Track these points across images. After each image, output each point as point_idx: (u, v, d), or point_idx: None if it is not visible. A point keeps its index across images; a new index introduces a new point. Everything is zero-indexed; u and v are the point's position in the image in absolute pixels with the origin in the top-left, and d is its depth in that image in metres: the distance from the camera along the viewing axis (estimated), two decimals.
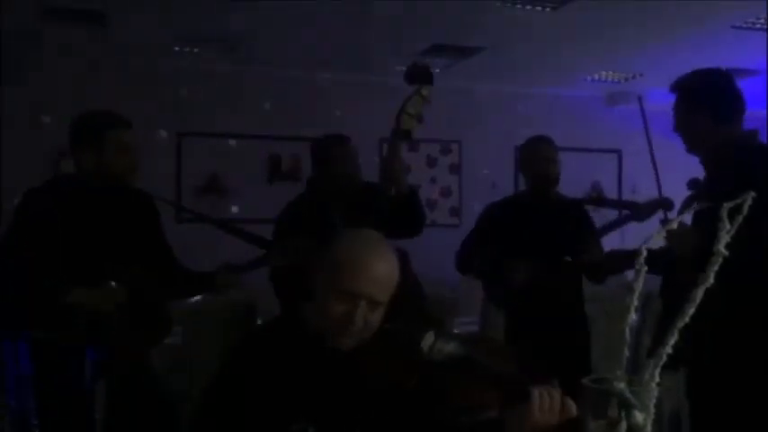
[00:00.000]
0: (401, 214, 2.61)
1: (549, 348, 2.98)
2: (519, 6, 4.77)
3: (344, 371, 1.53)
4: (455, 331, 2.74)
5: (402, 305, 1.59)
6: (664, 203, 3.11)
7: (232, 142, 6.27)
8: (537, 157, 3.33)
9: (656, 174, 2.55)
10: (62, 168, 2.63)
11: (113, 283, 2.40)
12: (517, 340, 3.23)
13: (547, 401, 1.32)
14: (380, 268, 1.53)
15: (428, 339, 1.41)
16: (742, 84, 2.49)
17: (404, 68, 2.68)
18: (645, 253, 0.91)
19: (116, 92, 5.37)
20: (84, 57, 5.65)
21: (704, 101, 2.37)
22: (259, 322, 3.59)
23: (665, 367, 0.94)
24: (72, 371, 2.35)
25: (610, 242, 3.27)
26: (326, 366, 1.53)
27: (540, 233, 3.25)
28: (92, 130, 2.54)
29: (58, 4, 4.63)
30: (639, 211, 3.18)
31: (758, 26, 5.23)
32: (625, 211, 3.27)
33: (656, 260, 3.25)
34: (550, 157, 3.33)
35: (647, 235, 0.96)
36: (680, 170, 2.59)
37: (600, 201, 3.54)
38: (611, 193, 7.43)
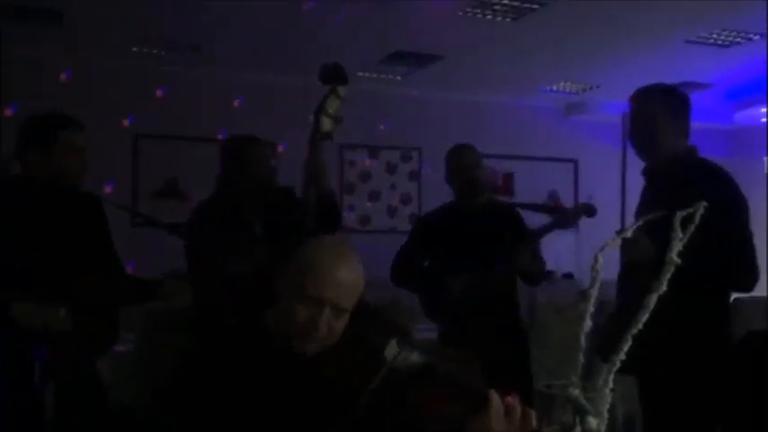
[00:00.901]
0: (323, 214, 2.61)
1: (485, 357, 3.00)
2: (479, 16, 4.82)
3: (306, 376, 1.52)
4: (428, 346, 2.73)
5: (361, 312, 1.59)
6: (587, 210, 3.19)
7: (191, 145, 6.20)
8: (461, 165, 3.35)
9: (624, 187, 2.60)
10: (11, 170, 2.56)
11: (63, 310, 2.31)
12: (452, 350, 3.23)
13: (508, 408, 1.33)
14: (346, 275, 1.53)
15: (391, 348, 1.41)
16: (694, 97, 2.61)
17: (364, 75, 2.67)
18: (600, 260, 0.92)
19: (72, 92, 5.27)
20: (40, 56, 5.53)
21: (683, 111, 2.49)
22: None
23: (619, 371, 0.95)
24: (21, 371, 2.28)
25: (561, 247, 3.31)
26: (288, 370, 1.52)
27: (471, 239, 3.27)
28: (43, 131, 2.47)
29: (13, 2, 4.53)
30: (564, 217, 3.23)
31: (710, 41, 5.38)
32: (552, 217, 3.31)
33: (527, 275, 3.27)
34: (474, 164, 3.35)
35: (602, 242, 0.97)
36: (638, 180, 2.65)
37: (529, 205, 3.57)
38: (568, 202, 7.54)
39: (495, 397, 1.32)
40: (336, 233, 2.96)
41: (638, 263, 2.20)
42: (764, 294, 3.79)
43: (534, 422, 1.32)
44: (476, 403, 1.35)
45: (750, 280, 2.33)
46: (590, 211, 3.15)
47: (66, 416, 2.34)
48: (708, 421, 2.32)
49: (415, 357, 1.40)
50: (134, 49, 5.61)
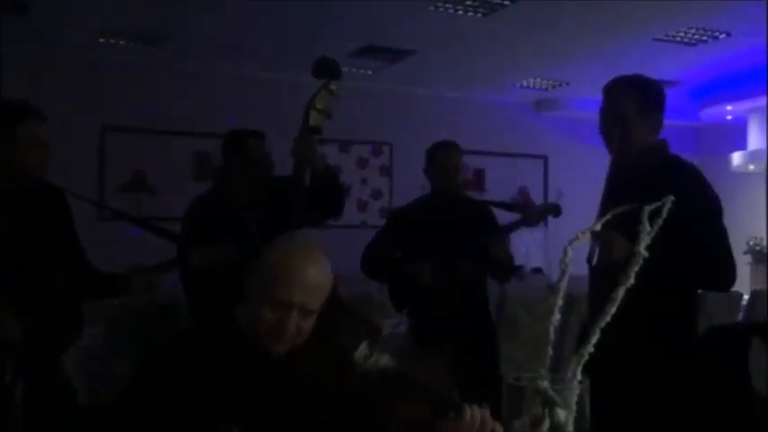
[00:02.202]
0: (321, 193, 2.58)
1: (453, 349, 3.01)
2: (450, 11, 4.83)
3: (274, 375, 1.51)
4: (385, 332, 2.72)
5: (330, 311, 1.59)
6: (552, 209, 3.22)
7: (158, 138, 6.12)
8: (442, 164, 3.37)
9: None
10: None
11: (10, 319, 2.27)
12: (421, 343, 3.24)
13: (477, 420, 1.33)
14: (313, 276, 1.52)
15: (362, 350, 1.41)
16: None
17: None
18: (570, 253, 0.93)
19: (37, 84, 5.17)
20: (3, 46, 5.42)
21: (652, 106, 2.45)
22: (183, 323, 3.51)
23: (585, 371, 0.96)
24: None
25: (530, 243, 3.34)
26: (256, 369, 1.51)
27: (441, 233, 3.29)
28: (2, 121, 2.39)
29: None
30: (530, 215, 3.26)
31: (678, 39, 5.45)
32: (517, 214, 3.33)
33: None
34: (455, 164, 3.37)
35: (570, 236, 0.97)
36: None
37: (497, 203, 3.60)
38: (538, 198, 7.60)
39: (467, 409, 1.32)
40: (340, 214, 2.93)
41: (617, 263, 2.17)
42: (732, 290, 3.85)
43: None
44: (444, 409, 1.35)
45: (727, 279, 2.29)
46: (556, 210, 3.19)
47: (34, 413, 2.30)
48: (672, 415, 2.34)
49: (385, 360, 1.40)
50: (101, 40, 5.53)
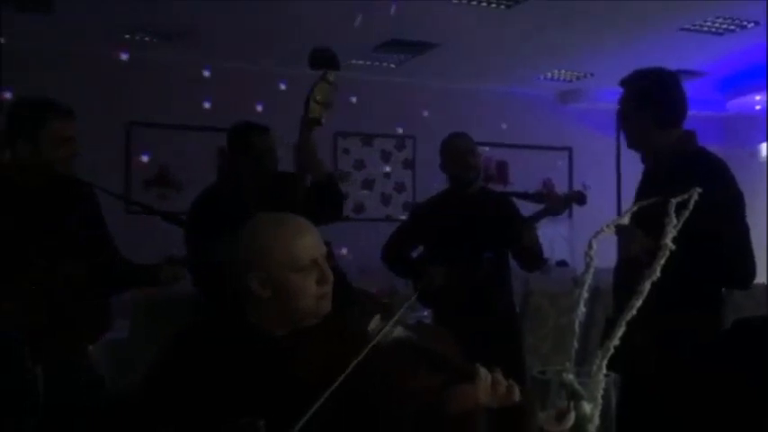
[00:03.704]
0: (320, 199, 2.60)
1: (477, 343, 3.00)
2: (473, 4, 4.81)
3: (290, 358, 1.52)
4: (409, 323, 2.73)
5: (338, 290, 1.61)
6: (576, 197, 3.19)
7: (182, 134, 6.17)
8: (455, 154, 3.36)
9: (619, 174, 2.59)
10: (5, 156, 2.55)
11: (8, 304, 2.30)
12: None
13: (489, 381, 1.35)
14: (310, 228, 1.60)
15: (375, 323, 1.42)
16: (689, 85, 2.55)
17: (359, 63, 2.65)
18: (595, 246, 0.92)
19: (63, 80, 5.23)
20: (28, 43, 5.49)
21: (649, 100, 2.40)
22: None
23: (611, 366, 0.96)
24: (12, 354, 2.28)
25: (555, 235, 3.33)
26: (271, 356, 1.52)
27: (463, 226, 3.29)
28: (29, 119, 2.43)
29: None
30: (554, 204, 3.23)
31: (704, 29, 5.37)
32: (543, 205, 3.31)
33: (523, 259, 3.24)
34: (468, 152, 3.36)
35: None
36: (633, 168, 2.64)
37: (519, 194, 3.58)
38: (563, 191, 7.54)
39: (482, 370, 1.33)
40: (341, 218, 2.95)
41: (635, 258, 2.16)
42: (759, 282, 3.79)
43: (517, 395, 1.34)
44: (457, 377, 1.36)
45: (745, 277, 2.27)
46: (580, 198, 3.16)
47: (57, 400, 2.33)
48: (697, 409, 2.32)
49: (398, 332, 1.41)
50: (126, 36, 5.58)
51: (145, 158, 6.11)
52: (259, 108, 5.90)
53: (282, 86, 6.18)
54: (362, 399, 1.44)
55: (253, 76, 6.25)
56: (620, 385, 0.94)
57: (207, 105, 6.13)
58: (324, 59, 2.50)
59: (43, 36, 5.43)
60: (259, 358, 1.52)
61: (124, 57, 5.83)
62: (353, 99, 6.20)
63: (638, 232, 2.09)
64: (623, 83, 2.49)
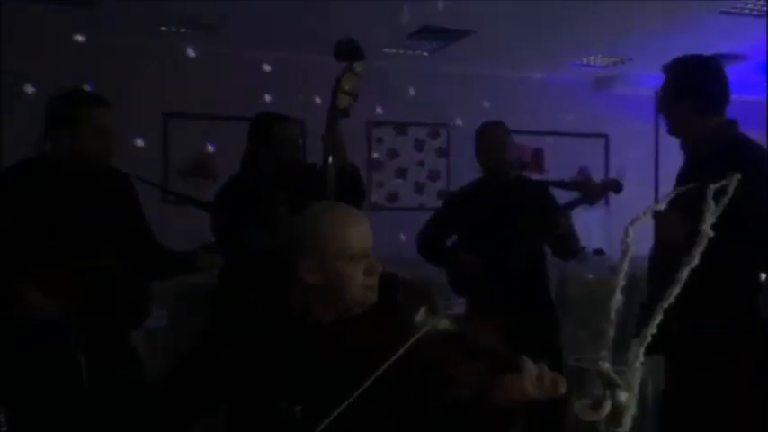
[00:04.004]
0: (342, 190, 2.62)
1: (512, 332, 3.00)
2: None
3: (334, 345, 1.54)
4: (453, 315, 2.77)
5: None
6: (614, 185, 3.15)
7: (219, 124, 6.23)
8: (489, 143, 3.34)
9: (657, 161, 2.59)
10: (46, 149, 2.60)
11: (39, 295, 2.33)
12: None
13: (535, 373, 1.35)
14: (362, 218, 1.65)
15: (422, 314, 1.44)
16: (730, 69, 2.52)
17: (392, 51, 2.67)
18: (631, 234, 0.91)
19: (102, 72, 5.31)
20: (70, 36, 5.58)
21: (690, 87, 2.40)
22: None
23: (648, 351, 0.95)
24: (57, 340, 2.33)
25: (592, 223, 3.29)
26: (316, 342, 1.54)
27: (498, 215, 3.27)
28: (68, 110, 2.47)
29: None
30: (589, 192, 3.20)
31: (746, 12, 5.24)
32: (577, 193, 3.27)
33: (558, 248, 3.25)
34: (502, 143, 3.33)
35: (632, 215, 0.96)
36: (671, 155, 2.61)
37: (554, 183, 3.55)
38: (599, 178, 7.45)
39: (529, 362, 1.34)
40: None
41: (672, 241, 2.16)
42: None
43: (563, 388, 1.34)
44: (503, 367, 1.37)
45: None
46: (616, 186, 3.12)
47: (101, 385, 2.38)
48: (736, 398, 2.29)
49: (444, 324, 1.43)
50: (162, 28, 5.64)
51: (181, 149, 6.18)
52: (293, 97, 5.92)
53: (314, 75, 6.19)
54: (407, 387, 1.45)
55: (287, 66, 6.26)
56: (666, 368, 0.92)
57: (241, 95, 6.18)
58: (349, 51, 2.53)
59: (84, 29, 5.51)
60: (303, 344, 1.55)
61: (159, 48, 5.90)
62: (386, 88, 6.18)
63: (677, 217, 2.07)
64: (664, 69, 2.47)
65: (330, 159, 2.54)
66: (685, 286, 0.92)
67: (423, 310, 1.45)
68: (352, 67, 2.52)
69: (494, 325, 1.63)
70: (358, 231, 1.60)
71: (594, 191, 3.20)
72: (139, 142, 5.58)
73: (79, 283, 2.38)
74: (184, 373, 1.62)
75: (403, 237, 4.47)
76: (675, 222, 2.10)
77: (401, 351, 1.33)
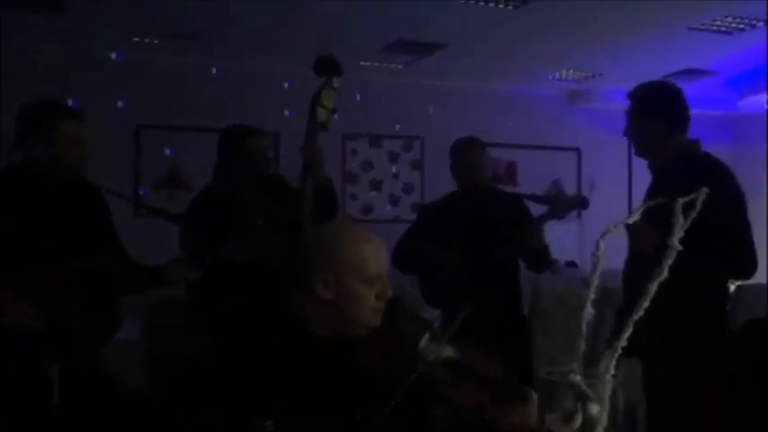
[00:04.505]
0: (317, 203, 2.63)
1: (485, 344, 3.01)
2: (481, 4, 4.80)
3: (332, 361, 1.53)
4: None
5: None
6: (580, 201, 3.20)
7: (191, 135, 6.19)
8: (464, 161, 3.37)
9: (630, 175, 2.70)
10: (16, 158, 2.57)
11: (27, 307, 2.31)
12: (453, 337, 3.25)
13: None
14: (380, 240, 1.66)
15: (425, 342, 1.44)
16: (698, 84, 2.64)
17: (367, 64, 2.69)
18: (602, 247, 0.92)
19: (72, 81, 5.26)
20: (40, 44, 5.52)
21: (660, 110, 2.55)
22: None
23: (622, 355, 0.96)
24: (28, 354, 2.30)
25: (564, 236, 3.32)
26: (313, 355, 1.53)
27: (471, 227, 3.29)
28: (41, 120, 2.45)
29: None
30: (556, 208, 3.23)
31: (713, 28, 5.35)
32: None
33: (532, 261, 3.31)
34: (477, 159, 3.38)
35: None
36: (644, 169, 2.68)
37: (525, 196, 3.59)
38: (571, 191, 7.53)
39: (532, 392, 1.34)
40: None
41: (644, 252, 2.23)
42: (765, 282, 3.79)
43: (577, 424, 1.34)
44: (509, 396, 1.37)
45: (746, 265, 2.43)
46: (583, 203, 3.17)
47: (71, 401, 2.35)
48: (709, 408, 2.33)
49: (448, 351, 1.43)
50: (135, 39, 5.60)
51: (154, 160, 6.13)
52: (265, 109, 5.91)
53: (288, 87, 6.19)
54: (412, 413, 1.45)
55: (260, 77, 6.25)
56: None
57: (214, 106, 6.15)
58: (328, 66, 2.57)
59: (53, 37, 5.45)
60: (300, 356, 1.53)
61: (133, 58, 5.86)
62: (361, 100, 6.20)
63: (650, 230, 2.13)
64: (630, 96, 2.60)
65: (308, 173, 2.55)
66: (656, 298, 0.93)
67: (426, 337, 1.45)
68: (330, 83, 2.55)
69: (488, 353, 1.64)
70: (378, 255, 1.62)
71: (562, 206, 3.23)
72: (111, 153, 5.52)
73: (49, 294, 2.35)
74: (186, 388, 1.59)
75: None
76: (647, 233, 2.16)
77: (411, 379, 1.33)
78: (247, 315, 1.75)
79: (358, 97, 6.15)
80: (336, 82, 2.56)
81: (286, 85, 6.22)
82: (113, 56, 5.81)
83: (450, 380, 1.45)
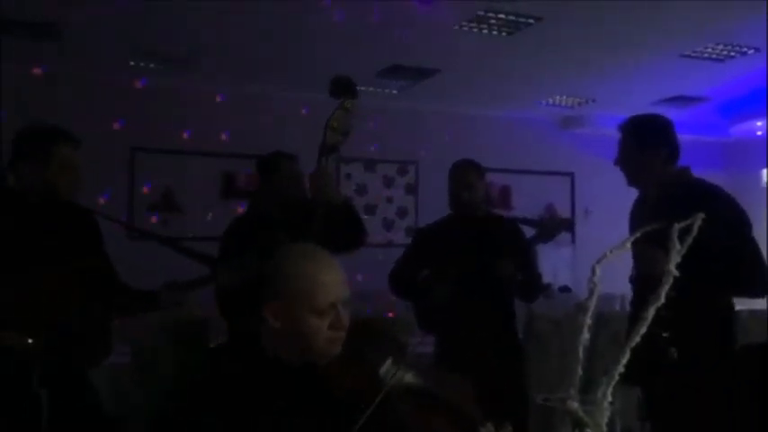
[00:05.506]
0: (338, 226, 2.59)
1: (478, 369, 3.01)
2: (475, 30, 4.84)
3: (299, 390, 1.51)
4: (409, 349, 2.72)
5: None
6: (565, 224, 3.20)
7: (185, 159, 6.19)
8: (457, 182, 3.38)
9: None
10: (9, 181, 2.56)
11: (30, 341, 2.30)
12: (447, 361, 3.23)
13: None
14: (336, 270, 1.57)
15: (387, 367, 1.41)
16: (690, 111, 2.68)
17: (361, 89, 2.67)
18: (598, 272, 0.92)
19: (69, 105, 5.27)
20: (37, 69, 5.54)
21: (654, 140, 2.60)
22: (211, 341, 3.53)
23: (624, 381, 0.95)
24: (18, 375, 2.27)
25: (558, 261, 3.32)
26: (288, 389, 1.51)
27: (466, 251, 3.28)
28: (36, 144, 2.45)
29: (10, 16, 4.54)
30: (542, 232, 3.23)
31: (705, 55, 5.40)
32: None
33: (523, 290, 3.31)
34: (473, 181, 3.38)
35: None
36: (633, 192, 2.70)
37: (519, 220, 3.60)
38: (565, 215, 7.54)
39: (490, 428, 1.31)
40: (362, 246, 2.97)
41: (654, 276, 2.22)
42: (764, 308, 3.79)
43: None
44: (464, 426, 1.34)
45: (759, 283, 2.41)
46: (568, 225, 3.18)
47: (60, 421, 2.32)
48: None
49: (409, 377, 1.40)
50: (131, 62, 5.62)
51: (148, 184, 6.12)
52: (262, 132, 5.93)
53: (284, 111, 6.21)
54: None
55: (255, 101, 6.27)
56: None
57: (209, 130, 6.17)
58: (343, 88, 2.54)
59: (49, 62, 5.47)
60: (269, 386, 1.51)
61: (128, 83, 5.88)
62: (356, 124, 6.22)
63: (659, 251, 2.14)
64: (621, 128, 2.68)
65: (318, 196, 2.52)
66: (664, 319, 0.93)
67: (388, 362, 1.41)
68: (343, 105, 2.53)
69: (461, 380, 1.60)
70: (329, 281, 1.53)
71: (548, 229, 3.24)
72: (106, 176, 5.51)
73: (38, 317, 2.33)
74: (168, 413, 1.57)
75: (360, 277, 4.41)
76: (659, 258, 2.16)
77: (369, 410, 1.30)
78: (232, 340, 1.73)
79: (352, 121, 6.17)
80: (349, 104, 2.53)
81: (281, 109, 6.25)
82: (109, 79, 5.82)
83: (409, 407, 1.41)
